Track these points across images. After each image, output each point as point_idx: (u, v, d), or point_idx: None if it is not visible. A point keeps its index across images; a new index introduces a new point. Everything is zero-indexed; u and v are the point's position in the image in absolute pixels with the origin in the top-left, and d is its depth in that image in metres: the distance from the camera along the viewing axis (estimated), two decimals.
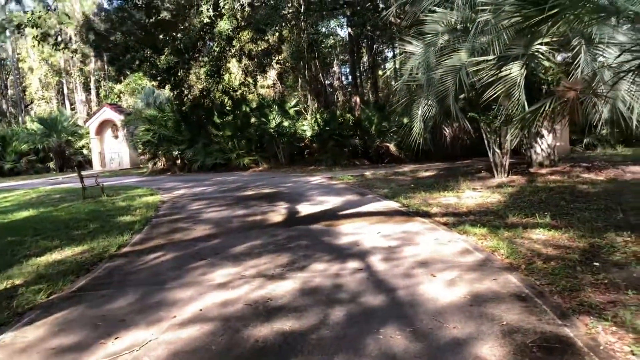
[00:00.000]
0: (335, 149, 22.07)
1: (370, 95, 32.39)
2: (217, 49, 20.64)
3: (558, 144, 12.76)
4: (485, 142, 11.95)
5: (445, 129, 19.31)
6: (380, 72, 35.21)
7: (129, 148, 31.81)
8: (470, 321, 3.80)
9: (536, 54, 10.47)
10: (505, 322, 3.72)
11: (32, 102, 50.86)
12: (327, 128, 22.62)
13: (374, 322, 3.91)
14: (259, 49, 23.15)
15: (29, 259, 6.86)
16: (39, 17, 19.33)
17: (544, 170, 12.09)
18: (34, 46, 40.04)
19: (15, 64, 50.78)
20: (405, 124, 23.28)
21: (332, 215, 8.86)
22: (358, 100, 25.61)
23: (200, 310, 4.46)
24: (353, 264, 5.58)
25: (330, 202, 10.35)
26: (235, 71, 27.19)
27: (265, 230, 7.86)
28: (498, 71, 10.33)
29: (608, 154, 16.31)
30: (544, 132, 12.42)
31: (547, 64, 12.23)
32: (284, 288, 4.88)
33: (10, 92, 53.21)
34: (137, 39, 19.96)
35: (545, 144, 12.49)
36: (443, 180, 12.53)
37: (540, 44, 10.27)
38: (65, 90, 49.90)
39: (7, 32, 41.57)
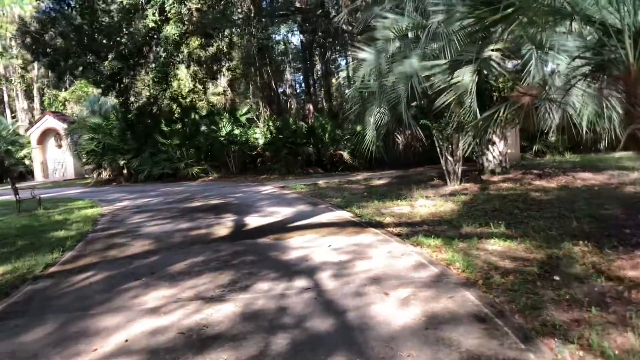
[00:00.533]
0: (288, 158, 21.64)
1: (323, 103, 32.18)
2: (164, 55, 19.88)
3: (509, 150, 12.76)
4: (438, 149, 11.79)
5: (398, 136, 19.22)
6: (333, 80, 35.08)
7: (73, 158, 30.41)
8: (426, 347, 3.44)
9: (488, 60, 10.39)
10: (464, 349, 3.37)
11: None
12: (280, 136, 22.19)
13: (321, 352, 3.49)
14: (208, 54, 22.48)
15: None
16: None
17: (496, 178, 12.02)
18: None
19: None
20: (358, 131, 23.15)
21: (281, 227, 8.41)
22: (311, 108, 25.31)
23: (126, 340, 3.94)
24: (300, 282, 5.15)
25: (281, 213, 9.90)
26: (184, 77, 26.41)
27: (208, 245, 7.33)
28: (450, 77, 10.18)
29: (557, 161, 16.53)
30: (495, 139, 12.38)
31: (498, 70, 12.21)
32: (223, 312, 4.40)
33: None
34: (78, 43, 18.97)
35: (497, 151, 12.46)
36: (396, 189, 12.30)
37: (492, 50, 10.19)
38: (6, 98, 47.52)
39: None
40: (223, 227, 8.77)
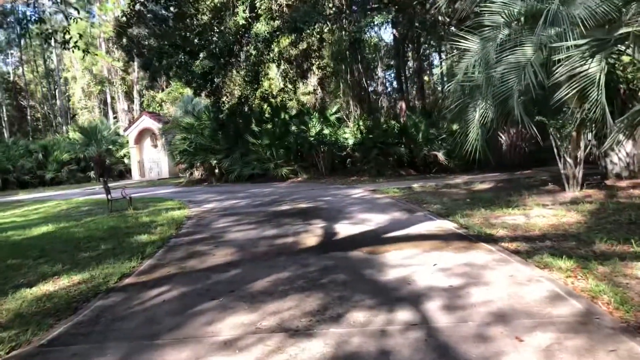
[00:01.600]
0: (379, 159, 20.63)
1: (415, 102, 30.81)
2: (255, 53, 19.57)
3: (637, 152, 10.96)
4: (555, 150, 10.29)
5: (501, 135, 17.62)
6: (426, 78, 33.59)
7: (167, 157, 31.24)
8: None
9: (616, 47, 8.85)
10: None
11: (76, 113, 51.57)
12: (370, 136, 21.23)
13: None
14: (299, 52, 21.99)
15: (18, 289, 5.79)
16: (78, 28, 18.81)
17: (623, 183, 10.33)
18: (83, 58, 40.23)
19: (59, 74, 51.72)
20: (456, 130, 21.74)
21: (375, 238, 7.46)
22: (404, 106, 24.11)
23: None
24: (404, 315, 4.19)
25: (374, 220, 8.95)
26: (274, 76, 26.17)
27: (295, 257, 6.54)
28: (572, 67, 8.77)
29: None
30: (622, 138, 10.64)
31: (626, 59, 10.50)
32: (311, 353, 3.54)
33: (58, 102, 54.17)
34: (170, 43, 19.11)
35: (624, 152, 10.72)
36: (504, 194, 10.94)
37: (622, 35, 8.65)
38: (108, 99, 50.32)
39: (53, 42, 42.00)
40: (311, 235, 7.97)
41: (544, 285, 4.71)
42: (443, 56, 27.16)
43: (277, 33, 19.44)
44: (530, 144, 18.25)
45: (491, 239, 6.88)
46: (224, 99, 22.35)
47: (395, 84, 32.92)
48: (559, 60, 9.11)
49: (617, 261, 5.40)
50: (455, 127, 21.52)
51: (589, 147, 10.07)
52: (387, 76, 35.03)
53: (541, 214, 8.31)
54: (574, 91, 8.64)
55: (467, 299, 4.47)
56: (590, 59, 8.68)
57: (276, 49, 23.35)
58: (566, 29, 9.03)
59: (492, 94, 10.05)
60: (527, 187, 11.54)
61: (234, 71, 23.25)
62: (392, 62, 28.01)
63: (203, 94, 22.91)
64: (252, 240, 7.88)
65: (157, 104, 45.04)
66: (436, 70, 36.63)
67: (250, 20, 18.88)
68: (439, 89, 36.32)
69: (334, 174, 21.40)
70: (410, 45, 28.12)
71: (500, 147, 17.83)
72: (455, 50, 11.37)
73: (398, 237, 7.38)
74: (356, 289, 4.99)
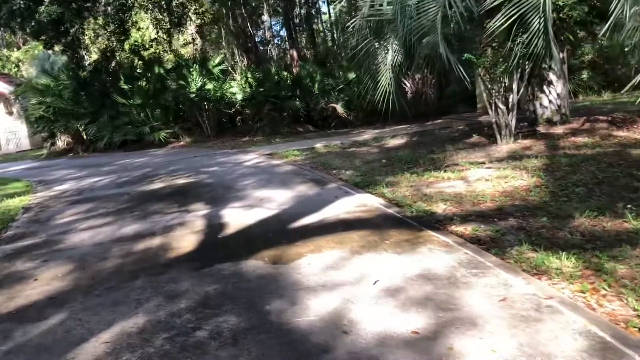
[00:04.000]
0: (272, 115, 18.31)
1: (306, 51, 28.51)
2: None
3: (566, 92, 9.68)
4: (484, 95, 8.65)
5: (405, 82, 15.98)
6: (315, 27, 31.29)
7: (26, 126, 26.63)
8: None
9: None
10: None
11: None
12: (261, 89, 18.78)
13: None
14: None
15: None
16: None
17: (559, 130, 8.98)
18: None
19: None
20: (353, 79, 19.95)
21: (280, 231, 5.31)
22: (295, 55, 21.80)
23: None
24: None
25: (275, 200, 6.77)
26: (145, 26, 22.62)
27: (159, 278, 4.24)
28: None
29: (607, 102, 13.55)
30: (553, 77, 9.26)
31: None
32: None
33: None
34: None
35: (554, 93, 9.36)
36: (425, 151, 9.25)
37: None
38: None
39: None
40: (188, 231, 5.66)
41: (568, 322, 2.86)
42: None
43: None
44: (434, 91, 16.85)
45: (436, 222, 5.02)
46: (82, 53, 18.69)
47: (283, 32, 30.36)
48: None
49: (628, 249, 3.78)
50: (352, 75, 19.74)
51: (521, 90, 8.52)
52: (274, 23, 32.24)
53: (482, 177, 6.62)
54: (513, 19, 6.91)
55: None
56: None
57: None
58: None
59: (407, 29, 8.12)
60: (449, 141, 9.93)
61: (94, 19, 19.56)
62: (279, 7, 25.31)
63: (56, 48, 19.07)
64: (102, 247, 5.41)
65: (13, 64, 38.93)
66: (325, 17, 34.44)
67: None
68: (329, 37, 34.29)
69: (222, 135, 18.82)
70: None
71: (405, 94, 16.18)
72: None
73: (312, 228, 5.27)
74: (259, 347, 2.86)
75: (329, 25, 34.26)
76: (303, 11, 29.42)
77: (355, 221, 5.28)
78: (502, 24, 6.94)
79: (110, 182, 10.14)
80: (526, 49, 7.17)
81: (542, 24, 6.78)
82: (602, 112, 10.64)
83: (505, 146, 8.36)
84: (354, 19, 9.64)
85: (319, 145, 11.98)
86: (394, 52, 8.92)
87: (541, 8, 6.50)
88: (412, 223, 5.00)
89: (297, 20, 28.88)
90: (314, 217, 5.62)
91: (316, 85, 18.86)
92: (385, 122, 17.12)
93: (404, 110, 15.13)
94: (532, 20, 6.81)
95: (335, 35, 33.41)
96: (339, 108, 18.75)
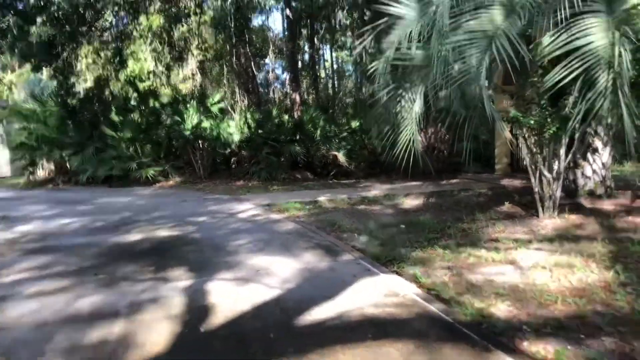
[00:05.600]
0: (270, 158, 17.10)
1: (308, 96, 27.63)
2: (111, 20, 15.15)
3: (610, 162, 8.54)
4: (527, 159, 7.43)
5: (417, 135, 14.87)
6: (321, 71, 30.54)
7: (8, 152, 25.22)
8: None
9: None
10: None
11: None
12: (260, 131, 17.66)
13: None
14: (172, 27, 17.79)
15: None
16: None
17: (606, 205, 7.78)
18: None
19: None
20: (355, 127, 18.90)
21: (285, 329, 3.92)
22: (298, 98, 20.80)
23: None
24: None
25: (276, 273, 5.39)
26: (143, 57, 21.64)
27: None
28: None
29: (629, 172, 12.47)
30: (598, 143, 8.14)
31: None
32: None
33: None
34: None
35: (599, 162, 8.20)
36: (450, 218, 7.98)
37: None
38: None
39: None
40: (161, 314, 4.25)
41: None
42: (347, 41, 24.31)
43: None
44: (447, 147, 15.75)
45: (501, 334, 3.68)
46: (73, 80, 17.54)
47: (285, 75, 29.55)
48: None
49: None
50: (356, 123, 18.71)
51: (569, 157, 7.33)
52: (277, 66, 31.50)
53: (536, 262, 5.31)
54: (577, 72, 5.78)
55: None
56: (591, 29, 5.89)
57: (145, 23, 19.03)
58: None
59: (443, 76, 6.98)
60: (477, 207, 8.68)
61: (89, 45, 18.52)
62: (284, 48, 24.48)
63: (45, 72, 17.96)
64: (42, 332, 3.99)
65: (6, 87, 37.82)
66: (327, 64, 33.87)
67: None
68: (330, 84, 33.65)
69: (215, 177, 17.53)
70: (304, 31, 24.91)
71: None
72: (387, 18, 8.18)
73: (329, 327, 3.88)
74: None
75: (331, 72, 33.70)
76: (307, 56, 28.78)
77: (388, 323, 3.91)
78: (561, 79, 5.80)
79: (82, 227, 8.73)
80: (585, 109, 6.01)
81: (611, 82, 5.65)
82: None
83: (549, 221, 7.10)
84: (375, 63, 8.51)
85: (323, 199, 10.67)
86: (430, 98, 7.78)
87: (616, 62, 5.37)
88: (470, 335, 3.64)
89: (300, 65, 28.17)
90: (330, 308, 4.25)
91: (318, 131, 17.77)
92: (390, 175, 16.00)
93: (417, 165, 14.01)
94: (597, 74, 5.69)
95: (336, 82, 32.78)
96: (341, 157, 17.64)
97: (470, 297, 4.42)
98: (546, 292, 4.47)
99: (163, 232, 7.85)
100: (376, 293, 4.58)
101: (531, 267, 5.19)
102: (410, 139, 8.06)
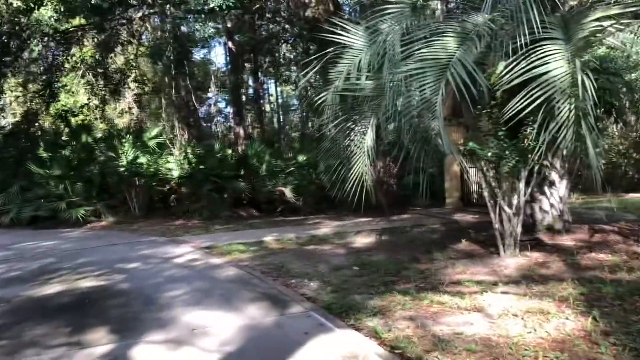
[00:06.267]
0: (212, 195, 16.23)
1: (252, 130, 27.02)
2: (38, 50, 14.13)
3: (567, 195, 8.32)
4: (486, 193, 7.05)
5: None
6: (266, 105, 30.09)
7: None
8: None
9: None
10: None
11: None
12: (201, 167, 16.81)
13: None
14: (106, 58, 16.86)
15: None
16: None
17: (566, 241, 7.48)
18: None
19: None
20: (302, 162, 18.38)
21: None
22: (242, 132, 20.16)
23: None
24: None
25: (214, 333, 4.62)
26: (76, 90, 20.47)
27: None
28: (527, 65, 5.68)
29: (578, 204, 12.46)
30: (555, 177, 7.89)
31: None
32: None
33: None
34: None
35: (557, 195, 7.95)
36: (407, 258, 7.45)
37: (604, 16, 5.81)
38: None
39: None
40: None
41: None
42: (292, 74, 23.94)
43: (72, 26, 14.24)
44: (395, 181, 15.45)
45: None
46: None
47: (228, 109, 28.86)
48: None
49: None
50: (302, 158, 18.20)
51: (528, 191, 7.00)
52: (219, 100, 30.79)
53: (506, 309, 4.81)
54: (539, 101, 5.44)
55: None
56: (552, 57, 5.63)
57: (78, 54, 18.03)
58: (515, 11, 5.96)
59: (396, 107, 6.56)
60: (433, 245, 8.19)
61: (13, 77, 17.29)
62: (227, 81, 23.88)
63: None
64: None
65: None
66: (272, 98, 33.52)
67: (32, 3, 13.48)
68: (275, 118, 33.25)
69: (151, 216, 16.44)
70: (247, 64, 24.47)
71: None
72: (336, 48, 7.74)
73: None
74: None
75: (276, 106, 33.34)
76: (251, 90, 28.32)
77: None
78: (521, 109, 5.46)
79: None
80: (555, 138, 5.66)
81: (570, 110, 5.36)
82: (595, 219, 9.34)
83: (511, 260, 6.69)
84: (323, 94, 8.04)
85: (268, 239, 9.94)
86: (372, 133, 7.31)
87: (580, 91, 5.07)
88: None
89: (244, 99, 27.63)
90: None
91: (264, 166, 17.12)
92: (339, 211, 15.49)
93: (368, 200, 13.54)
94: (560, 103, 5.38)
95: (282, 116, 32.44)
96: (288, 192, 16.97)
97: (440, 355, 3.84)
98: (523, 345, 3.96)
99: (87, 283, 6.89)
100: (332, 356, 3.92)
101: (501, 314, 4.68)
102: (361, 172, 7.59)
